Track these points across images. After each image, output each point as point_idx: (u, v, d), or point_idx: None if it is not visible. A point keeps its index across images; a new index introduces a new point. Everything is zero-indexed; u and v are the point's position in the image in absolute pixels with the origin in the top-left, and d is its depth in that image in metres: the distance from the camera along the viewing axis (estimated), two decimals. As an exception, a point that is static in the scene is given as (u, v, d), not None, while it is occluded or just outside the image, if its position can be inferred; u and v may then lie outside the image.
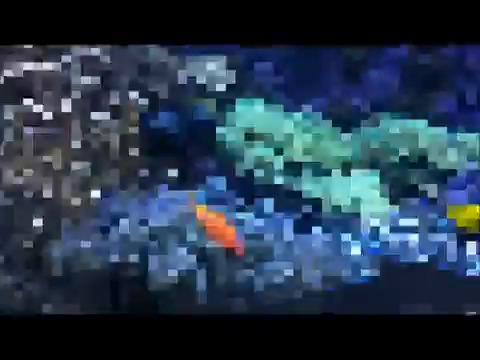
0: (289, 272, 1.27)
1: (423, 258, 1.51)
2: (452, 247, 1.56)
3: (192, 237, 1.29)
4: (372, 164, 1.97)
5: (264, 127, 1.94)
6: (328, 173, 1.93)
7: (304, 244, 1.33)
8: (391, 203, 1.88)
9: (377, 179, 1.90)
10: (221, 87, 2.07)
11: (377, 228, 1.61)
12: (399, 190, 1.92)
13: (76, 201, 1.43)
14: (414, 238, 1.62)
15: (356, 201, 1.83)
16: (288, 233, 1.40)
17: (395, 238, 1.58)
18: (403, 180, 1.92)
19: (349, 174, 1.94)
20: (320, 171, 1.91)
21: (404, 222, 1.72)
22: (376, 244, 1.58)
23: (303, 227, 1.75)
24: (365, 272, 1.53)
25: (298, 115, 2.00)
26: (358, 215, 1.82)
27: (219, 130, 1.97)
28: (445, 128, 2.00)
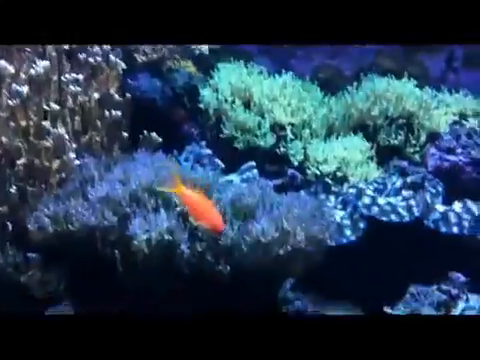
0: (273, 234, 1.25)
1: (409, 219, 1.49)
2: (438, 208, 1.54)
3: (174, 199, 1.26)
4: (358, 126, 1.94)
5: (248, 90, 1.89)
6: (313, 136, 1.90)
7: (288, 206, 1.31)
8: (377, 165, 1.86)
9: (363, 142, 1.87)
10: (204, 49, 2.02)
11: (363, 190, 1.59)
12: (386, 152, 1.90)
13: (55, 165, 1.39)
14: (400, 199, 1.60)
15: (342, 164, 1.80)
16: (272, 196, 1.37)
17: (381, 200, 1.56)
18: (389, 142, 1.89)
19: (335, 137, 1.91)
20: (305, 134, 1.88)
21: (390, 184, 1.70)
22: (362, 206, 1.56)
23: (287, 190, 1.73)
24: (349, 233, 1.52)
25: (283, 78, 1.96)
26: (344, 177, 1.80)
27: (202, 93, 1.92)
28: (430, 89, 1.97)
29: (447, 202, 1.59)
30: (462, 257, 1.49)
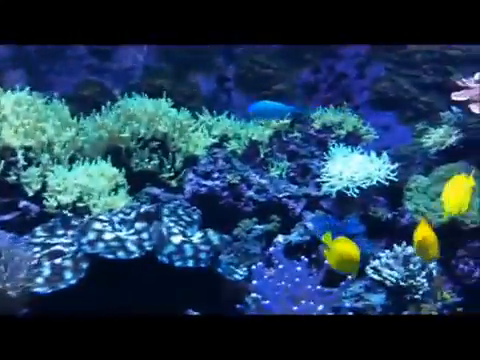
0: None
1: (139, 255, 1.30)
2: (174, 240, 1.37)
3: None
4: (109, 149, 1.73)
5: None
6: (55, 161, 1.64)
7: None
8: (128, 193, 1.66)
9: (111, 167, 1.66)
10: None
11: (89, 224, 1.36)
12: (139, 178, 1.71)
13: None
14: (131, 233, 1.39)
15: (83, 193, 1.57)
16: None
17: (108, 235, 1.35)
18: (142, 167, 1.71)
19: (79, 162, 1.67)
20: (44, 159, 1.61)
21: (135, 215, 1.50)
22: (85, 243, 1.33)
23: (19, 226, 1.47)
24: (70, 276, 1.28)
25: (17, 95, 1.67)
26: (85, 208, 1.57)
27: None
28: (187, 111, 1.84)
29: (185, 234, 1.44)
30: (199, 293, 1.34)
